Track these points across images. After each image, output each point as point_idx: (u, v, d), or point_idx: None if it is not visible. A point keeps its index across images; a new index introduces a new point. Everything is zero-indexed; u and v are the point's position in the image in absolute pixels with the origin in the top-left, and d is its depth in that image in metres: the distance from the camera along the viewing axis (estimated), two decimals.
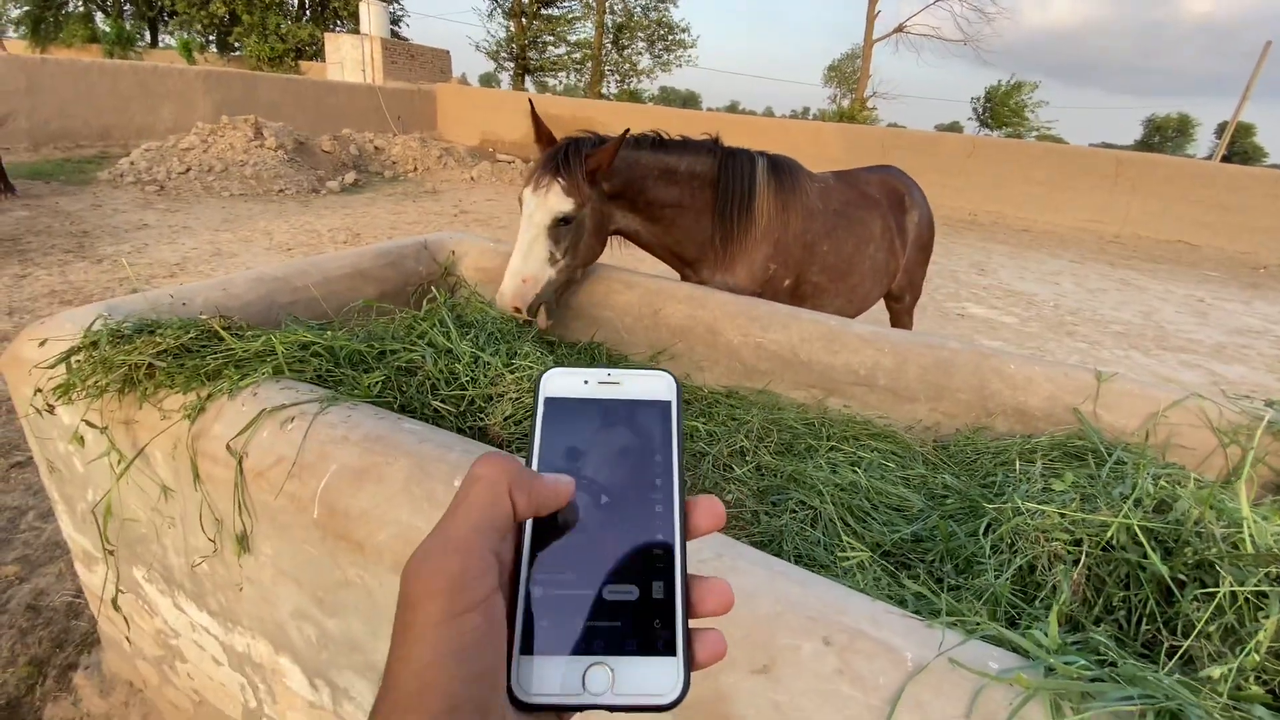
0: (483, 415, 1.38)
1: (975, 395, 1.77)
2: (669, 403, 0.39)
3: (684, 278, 2.51)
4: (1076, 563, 0.95)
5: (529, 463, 0.37)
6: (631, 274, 2.27)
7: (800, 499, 1.40)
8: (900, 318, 3.54)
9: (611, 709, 0.32)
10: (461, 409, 1.38)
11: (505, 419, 1.33)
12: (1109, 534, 0.95)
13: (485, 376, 1.43)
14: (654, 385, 0.40)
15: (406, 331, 1.61)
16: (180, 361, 1.22)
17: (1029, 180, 15.15)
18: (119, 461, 1.24)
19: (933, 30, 28.28)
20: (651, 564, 0.35)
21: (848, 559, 1.11)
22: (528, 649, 0.32)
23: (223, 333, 1.28)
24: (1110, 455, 1.40)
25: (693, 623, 0.34)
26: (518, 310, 2.00)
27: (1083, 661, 0.67)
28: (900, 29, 28.55)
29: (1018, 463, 1.33)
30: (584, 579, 0.34)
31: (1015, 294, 8.51)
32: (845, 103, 37.11)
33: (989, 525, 1.13)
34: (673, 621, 0.33)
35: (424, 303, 1.75)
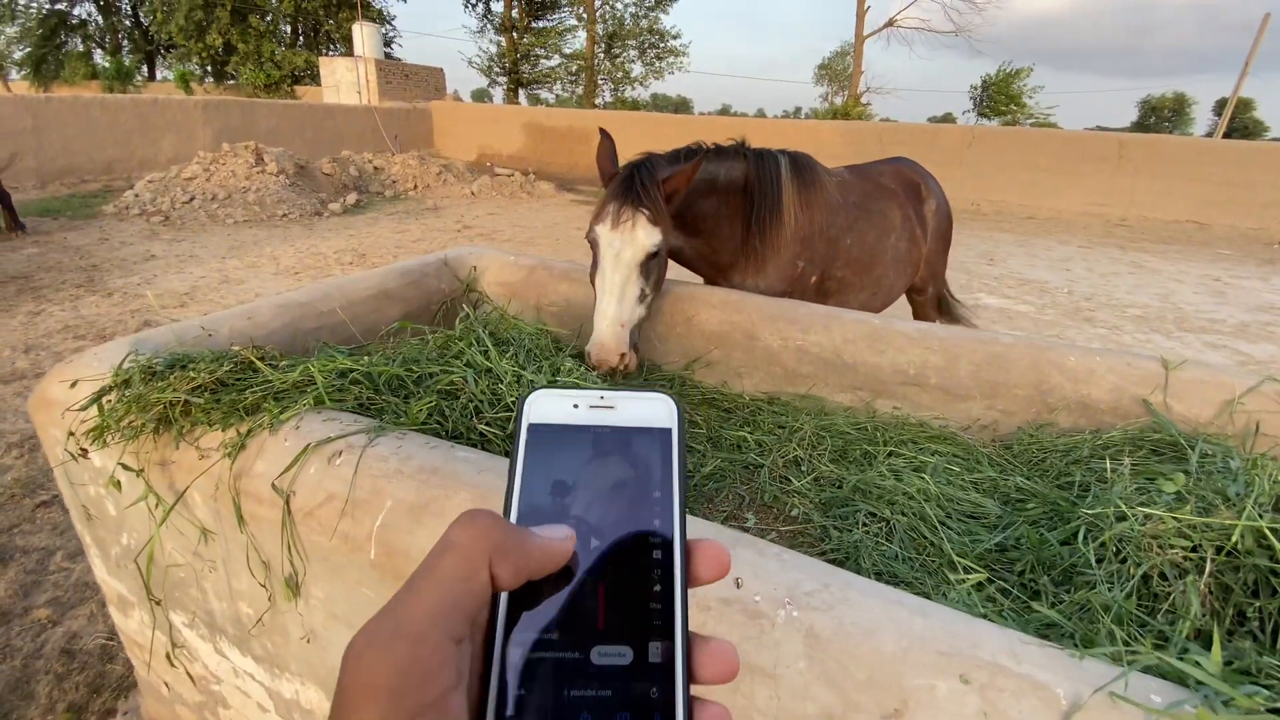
0: None
1: (1034, 390, 1.70)
2: (669, 430, 0.34)
3: (713, 284, 2.45)
4: (1201, 571, 0.87)
5: (508, 500, 0.32)
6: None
7: (869, 510, 1.33)
8: (924, 310, 3.47)
9: None
10: (509, 431, 1.32)
11: None
12: (1234, 539, 0.88)
13: None
14: (653, 410, 0.35)
15: (441, 352, 1.55)
16: (216, 397, 1.16)
17: (1031, 167, 15.05)
18: (157, 505, 1.18)
19: (923, 23, 28.28)
20: (648, 622, 0.30)
21: (961, 580, 1.03)
22: None
23: (258, 363, 1.22)
24: (1193, 448, 1.33)
25: (694, 689, 0.29)
26: (623, 358, 1.88)
27: (1264, 692, 0.59)
28: (891, 23, 28.55)
29: (1107, 461, 1.25)
30: (570, 639, 0.29)
31: (1028, 282, 8.42)
32: (838, 100, 37.11)
33: (1087, 532, 1.05)
34: (673, 689, 0.29)
35: (455, 322, 1.69)
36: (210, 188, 10.02)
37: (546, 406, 0.34)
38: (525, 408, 0.34)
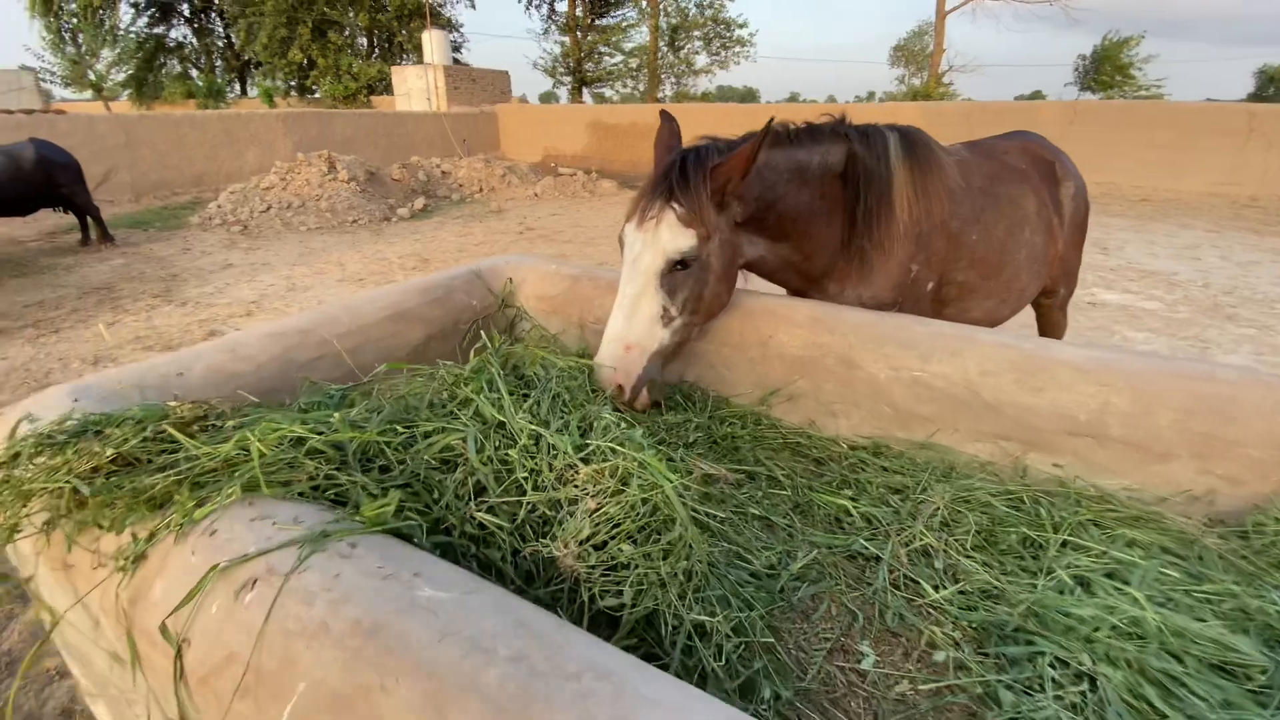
0: (548, 530, 0.93)
1: (1275, 450, 1.18)
2: None
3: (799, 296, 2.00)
4: None
5: None
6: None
7: (1054, 655, 0.87)
8: (1052, 317, 2.87)
9: None
10: (519, 519, 0.94)
11: (583, 542, 0.88)
12: None
13: (550, 468, 0.98)
14: None
15: (450, 397, 1.20)
16: (119, 481, 0.84)
17: (1145, 144, 13.54)
18: (50, 622, 0.88)
19: None
20: None
21: None
22: None
23: (178, 435, 0.89)
24: None
25: None
26: (621, 390, 1.52)
27: None
28: None
29: None
30: None
31: (1151, 274, 7.39)
32: (916, 82, 35.05)
33: None
34: None
35: (471, 353, 1.34)
36: (286, 197, 10.31)
37: None
38: None
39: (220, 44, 30.20)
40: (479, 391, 1.13)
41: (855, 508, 1.27)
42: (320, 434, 0.96)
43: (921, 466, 1.42)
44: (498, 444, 1.03)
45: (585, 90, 32.81)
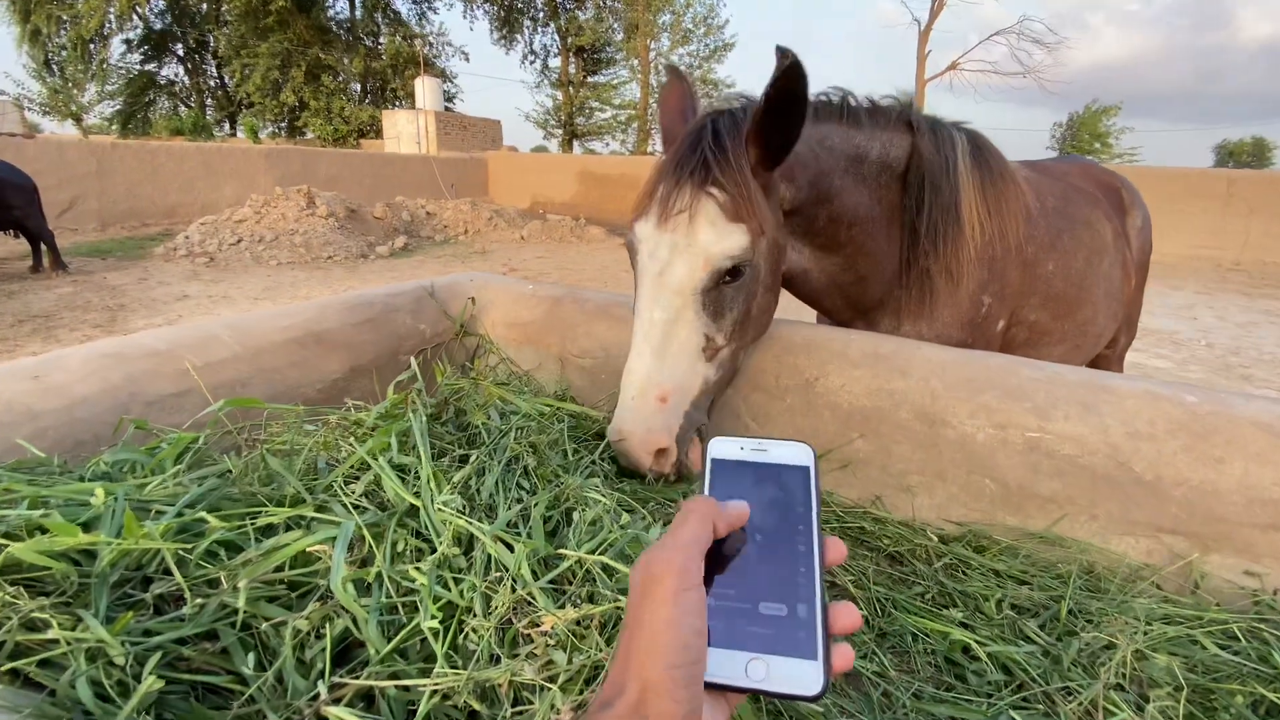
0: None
1: None
2: (808, 468, 0.49)
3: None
4: None
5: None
6: None
7: None
8: (1109, 370, 2.49)
9: (768, 695, 0.44)
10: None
11: None
12: None
13: (489, 607, 0.52)
14: (795, 453, 0.49)
15: (339, 460, 0.73)
16: None
17: None
18: None
19: (990, 65, 27.31)
20: (796, 590, 0.43)
21: None
22: (708, 642, 0.39)
23: None
24: None
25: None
26: (664, 456, 1.08)
27: None
28: (954, 66, 27.72)
29: None
30: (745, 595, 0.43)
31: (1152, 332, 7.19)
32: None
33: None
34: (814, 634, 0.41)
35: (389, 389, 0.89)
36: (259, 230, 9.89)
37: (722, 448, 0.50)
38: (709, 449, 0.49)
39: (212, 84, 30.34)
40: (383, 451, 0.67)
41: (978, 644, 0.81)
42: (41, 530, 0.49)
43: (1053, 571, 0.97)
44: (399, 550, 0.57)
45: (575, 143, 33.39)
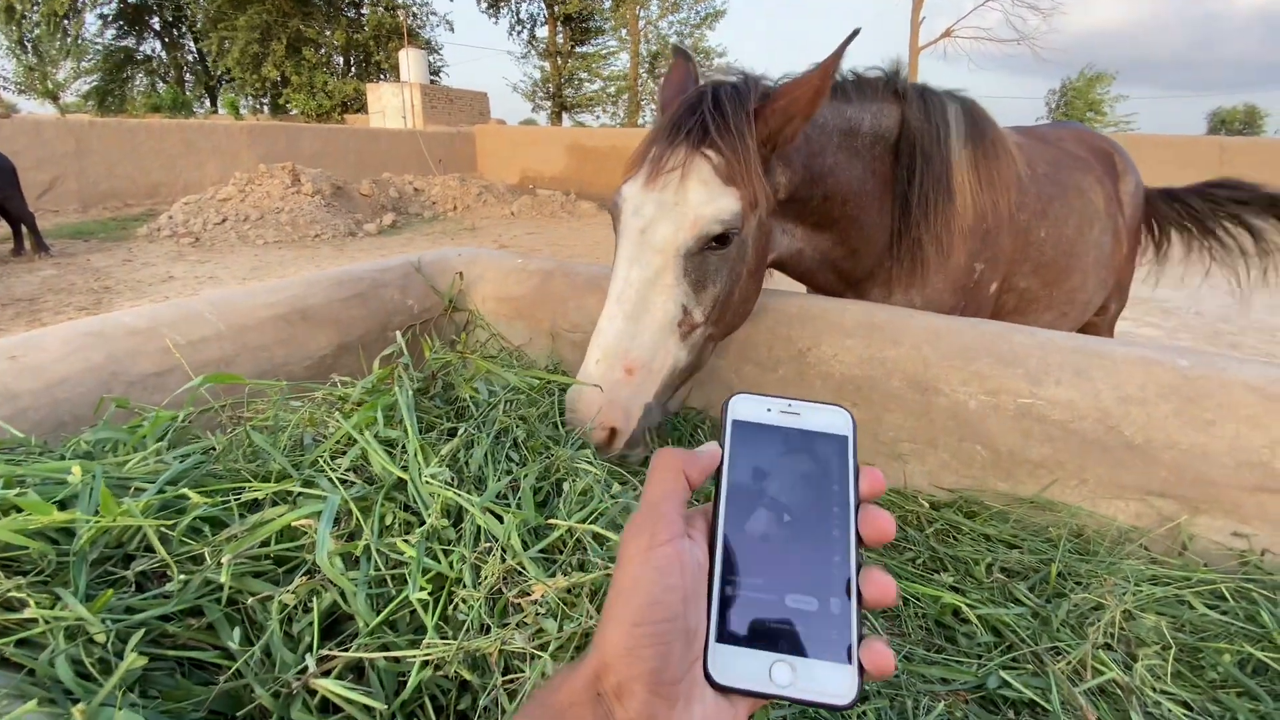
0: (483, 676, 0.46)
1: None
2: (846, 437, 0.42)
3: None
4: None
5: (718, 478, 0.41)
6: None
7: None
8: (1099, 337, 2.50)
9: (794, 702, 0.36)
10: (404, 694, 0.47)
11: None
12: None
13: (479, 578, 0.52)
14: (832, 419, 0.42)
15: (326, 435, 0.72)
16: None
17: None
18: None
19: (984, 32, 26.90)
20: (829, 582, 0.38)
21: None
22: (722, 638, 0.36)
23: None
24: None
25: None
26: (612, 436, 1.03)
27: None
28: (948, 33, 27.30)
29: None
30: (770, 586, 0.38)
31: (1141, 300, 7.19)
32: None
33: None
34: (848, 634, 0.36)
35: (374, 363, 0.88)
36: (244, 209, 9.73)
37: (746, 407, 0.43)
38: (730, 408, 0.43)
39: (191, 58, 29.54)
40: (369, 426, 0.66)
41: (968, 607, 0.82)
42: (16, 510, 0.48)
43: (1043, 535, 0.98)
44: (388, 523, 0.56)
45: (565, 115, 32.85)
